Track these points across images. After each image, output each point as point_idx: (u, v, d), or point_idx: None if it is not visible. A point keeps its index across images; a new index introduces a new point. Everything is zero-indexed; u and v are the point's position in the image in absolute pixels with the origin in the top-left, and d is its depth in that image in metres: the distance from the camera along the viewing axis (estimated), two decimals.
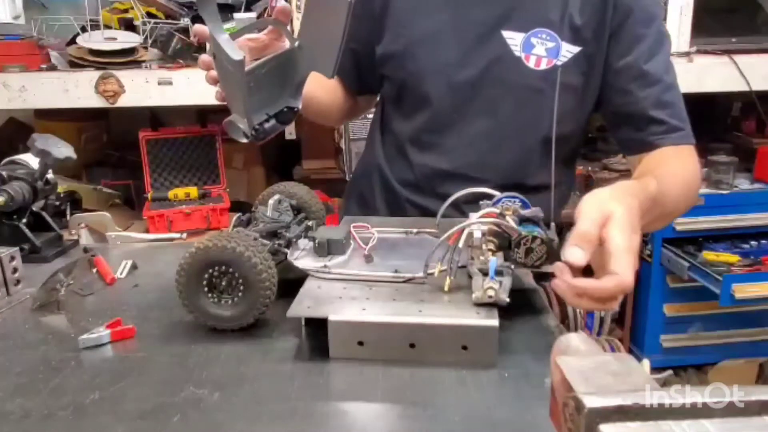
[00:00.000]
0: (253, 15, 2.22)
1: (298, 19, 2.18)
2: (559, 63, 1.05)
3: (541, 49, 1.05)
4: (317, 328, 0.74)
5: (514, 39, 1.06)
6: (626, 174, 2.51)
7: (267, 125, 0.86)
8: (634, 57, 1.06)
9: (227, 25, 2.29)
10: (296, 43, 0.88)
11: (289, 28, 0.90)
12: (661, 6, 1.11)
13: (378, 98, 1.31)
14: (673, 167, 1.03)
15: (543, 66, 1.06)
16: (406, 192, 1.18)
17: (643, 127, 1.07)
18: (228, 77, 0.84)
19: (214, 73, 0.91)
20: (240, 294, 0.78)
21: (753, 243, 2.48)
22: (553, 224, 0.85)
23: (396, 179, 1.19)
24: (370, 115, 2.22)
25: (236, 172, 2.58)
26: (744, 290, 2.16)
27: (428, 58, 1.11)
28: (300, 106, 0.91)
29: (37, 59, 2.24)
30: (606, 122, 1.16)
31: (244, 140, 0.86)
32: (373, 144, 1.26)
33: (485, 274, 0.76)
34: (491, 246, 0.81)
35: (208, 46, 0.91)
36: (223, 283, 0.79)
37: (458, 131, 1.12)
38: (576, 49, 1.06)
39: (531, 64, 1.06)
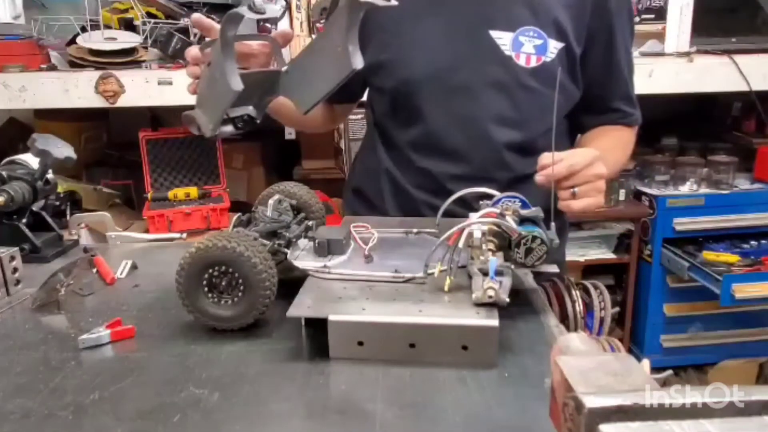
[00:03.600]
0: None
1: (297, 18, 2.18)
2: (548, 59, 1.08)
3: (529, 47, 1.07)
4: (317, 328, 0.74)
5: (502, 38, 1.08)
6: (626, 174, 2.51)
7: (223, 127, 0.88)
8: (609, 54, 1.13)
9: None
10: (284, 68, 0.89)
11: (286, 23, 0.91)
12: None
13: (365, 108, 1.33)
14: (615, 139, 1.19)
15: (533, 63, 1.08)
16: (423, 195, 1.17)
17: (604, 113, 1.19)
18: (215, 86, 0.85)
19: (196, 69, 0.93)
20: (240, 294, 0.78)
21: (753, 243, 2.48)
22: (553, 224, 0.85)
23: (410, 184, 1.18)
24: None
25: (236, 172, 2.58)
26: (744, 290, 2.16)
27: (422, 64, 1.11)
28: (259, 120, 0.93)
29: (37, 59, 2.25)
30: None
31: (196, 133, 0.90)
32: (374, 150, 1.25)
33: (485, 274, 0.76)
34: (491, 246, 0.81)
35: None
36: (223, 283, 0.79)
37: (458, 134, 1.12)
38: (560, 45, 1.09)
39: (521, 62, 1.08)
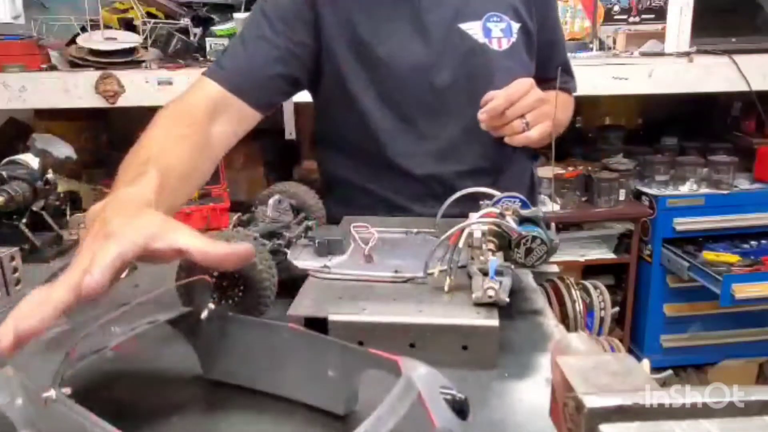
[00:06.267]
0: None
1: None
2: (514, 40, 1.13)
3: (497, 31, 1.12)
4: (317, 328, 0.74)
5: (473, 28, 1.11)
6: (626, 174, 2.52)
7: None
8: (550, 29, 1.22)
9: (227, 25, 2.29)
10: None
11: None
12: None
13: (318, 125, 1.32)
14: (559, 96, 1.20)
15: (504, 46, 1.12)
16: (416, 206, 1.17)
17: (544, 82, 1.17)
18: None
19: None
20: (240, 294, 0.78)
21: (753, 243, 2.48)
22: (553, 224, 0.85)
23: (395, 193, 1.18)
24: None
25: (236, 172, 2.58)
26: (744, 290, 2.16)
27: (402, 71, 1.12)
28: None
29: (37, 59, 2.25)
30: None
31: None
32: (342, 168, 1.23)
33: (485, 274, 0.76)
34: (491, 246, 0.81)
35: None
36: (223, 283, 0.79)
37: (448, 131, 1.12)
38: (518, 25, 1.14)
39: (495, 46, 1.12)
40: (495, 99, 0.97)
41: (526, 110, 0.98)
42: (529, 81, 1.00)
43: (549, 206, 1.26)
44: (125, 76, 2.15)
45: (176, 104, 1.05)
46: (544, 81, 1.19)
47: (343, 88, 1.17)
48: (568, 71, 1.30)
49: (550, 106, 0.99)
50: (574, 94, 1.36)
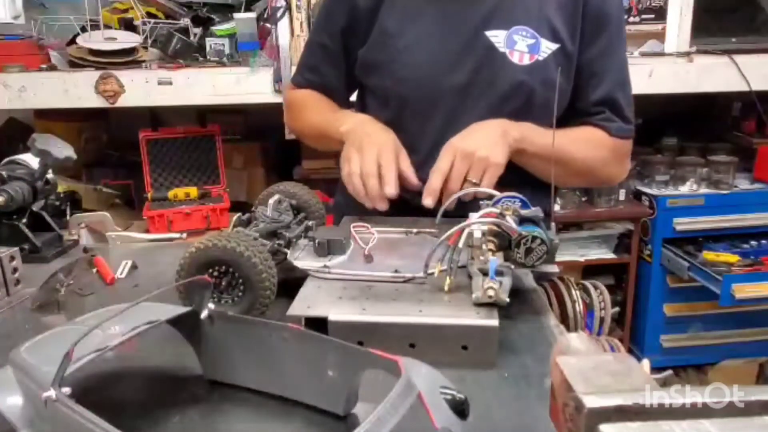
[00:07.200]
0: (252, 15, 2.22)
1: (297, 18, 2.18)
2: (540, 58, 1.09)
3: (522, 45, 1.09)
4: (317, 328, 0.74)
5: (497, 36, 1.10)
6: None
7: None
8: (595, 58, 1.14)
9: (227, 25, 2.29)
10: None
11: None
12: (623, 8, 1.21)
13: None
14: (574, 131, 1.15)
15: (526, 61, 1.09)
16: (415, 200, 1.17)
17: (582, 115, 1.16)
18: None
19: None
20: (240, 294, 0.78)
21: (753, 243, 2.49)
22: (553, 224, 0.85)
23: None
24: None
25: (236, 172, 2.58)
26: (744, 290, 2.16)
27: (417, 65, 1.12)
28: None
29: (37, 59, 2.25)
30: None
31: None
32: None
33: (485, 274, 0.76)
34: (491, 246, 0.81)
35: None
36: (223, 283, 0.79)
37: (452, 134, 1.12)
38: (554, 47, 1.10)
39: (515, 59, 1.09)
40: (428, 181, 0.99)
41: (463, 174, 0.98)
42: (450, 145, 1.01)
43: None
44: (125, 76, 2.15)
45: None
46: (581, 114, 1.16)
47: (363, 72, 1.19)
48: (612, 108, 1.15)
49: (486, 149, 0.99)
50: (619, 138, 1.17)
